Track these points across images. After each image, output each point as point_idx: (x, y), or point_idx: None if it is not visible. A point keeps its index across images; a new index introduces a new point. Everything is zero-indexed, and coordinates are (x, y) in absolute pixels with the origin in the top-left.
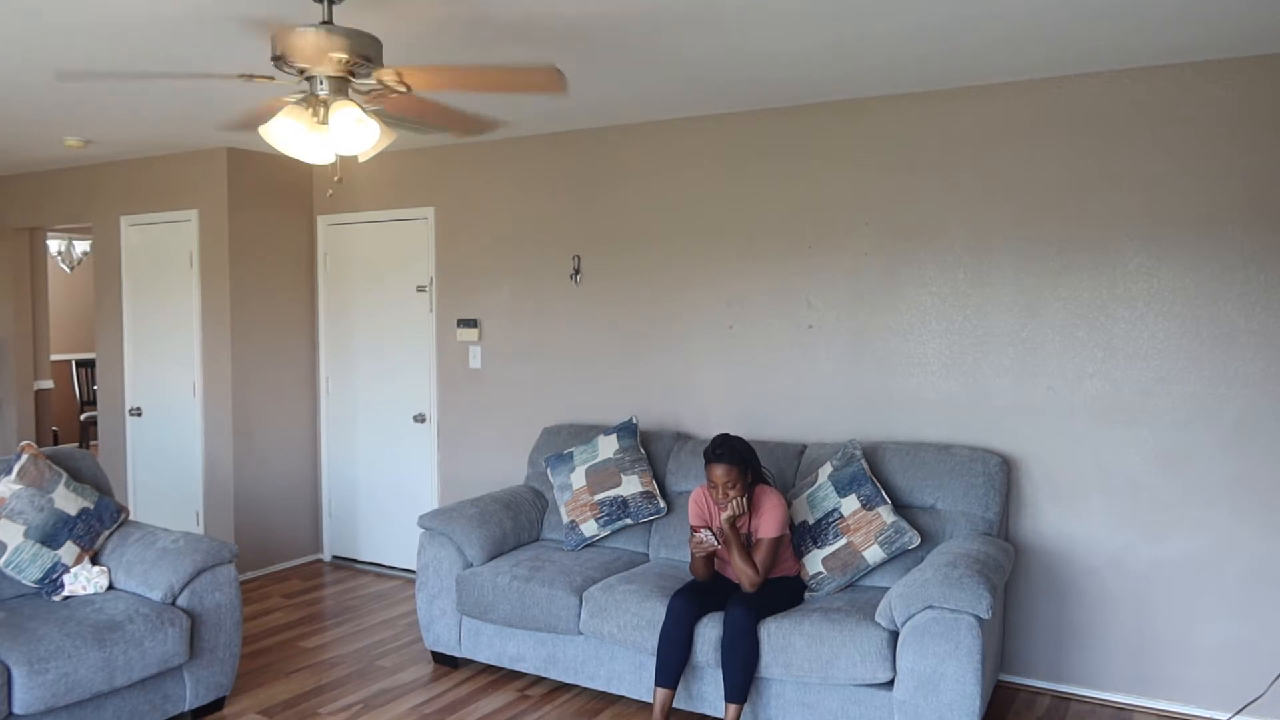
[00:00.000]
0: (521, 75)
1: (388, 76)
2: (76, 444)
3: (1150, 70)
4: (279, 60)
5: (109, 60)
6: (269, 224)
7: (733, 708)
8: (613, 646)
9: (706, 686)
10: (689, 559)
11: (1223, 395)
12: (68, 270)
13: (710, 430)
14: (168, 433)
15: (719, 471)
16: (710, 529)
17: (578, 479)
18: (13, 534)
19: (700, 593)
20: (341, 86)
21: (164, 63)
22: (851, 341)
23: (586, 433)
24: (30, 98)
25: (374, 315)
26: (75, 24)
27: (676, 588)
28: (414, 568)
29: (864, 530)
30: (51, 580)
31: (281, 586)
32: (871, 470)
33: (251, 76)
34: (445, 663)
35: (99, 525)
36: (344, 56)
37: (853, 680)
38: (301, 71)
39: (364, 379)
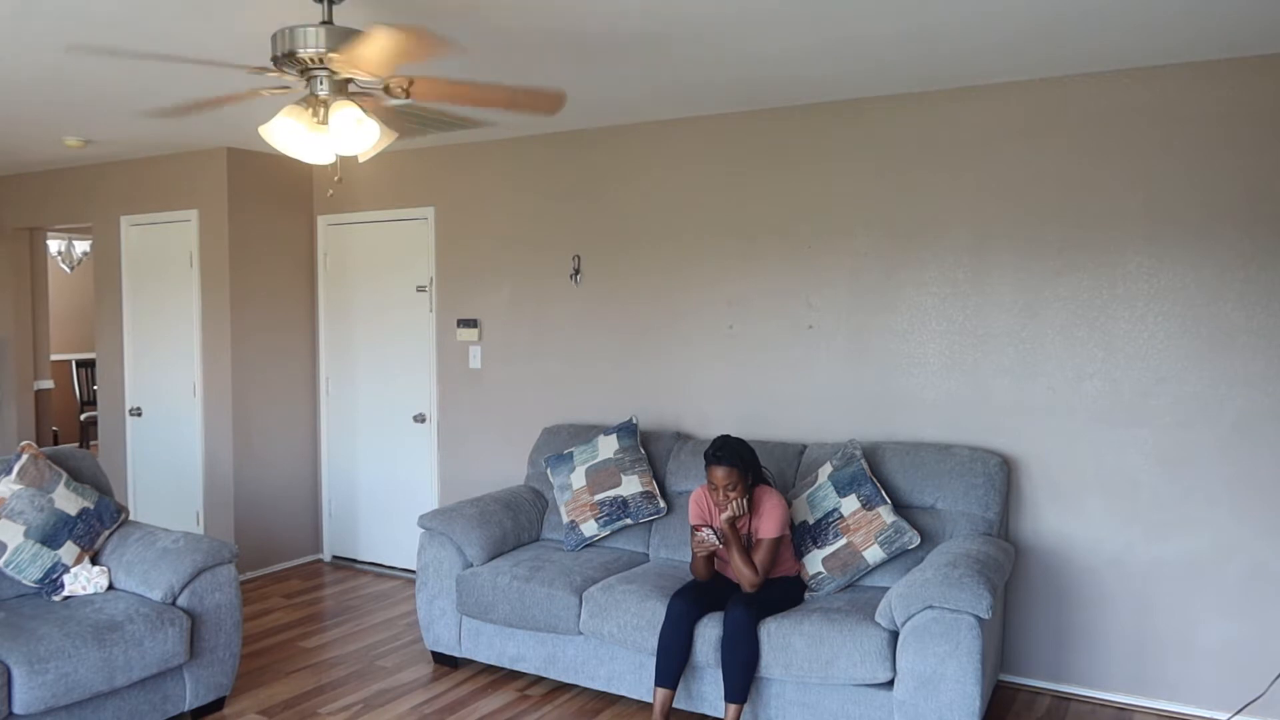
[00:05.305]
0: (525, 95)
1: (395, 82)
2: (76, 444)
3: (1150, 70)
4: (279, 60)
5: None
6: (269, 224)
7: (733, 708)
8: (613, 646)
9: (706, 686)
10: (689, 559)
11: (1223, 395)
12: (68, 270)
13: (710, 430)
14: (168, 433)
15: (720, 473)
16: (712, 527)
17: (578, 479)
18: (13, 534)
19: (700, 593)
20: (342, 87)
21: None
22: (851, 341)
23: (586, 433)
24: (29, 96)
25: (374, 315)
26: (74, 19)
27: (676, 588)
28: (414, 568)
29: (864, 530)
30: (51, 580)
31: (281, 586)
32: (871, 470)
33: (263, 70)
34: (445, 663)
35: (99, 525)
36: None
37: (853, 680)
38: (302, 71)
39: (364, 379)
